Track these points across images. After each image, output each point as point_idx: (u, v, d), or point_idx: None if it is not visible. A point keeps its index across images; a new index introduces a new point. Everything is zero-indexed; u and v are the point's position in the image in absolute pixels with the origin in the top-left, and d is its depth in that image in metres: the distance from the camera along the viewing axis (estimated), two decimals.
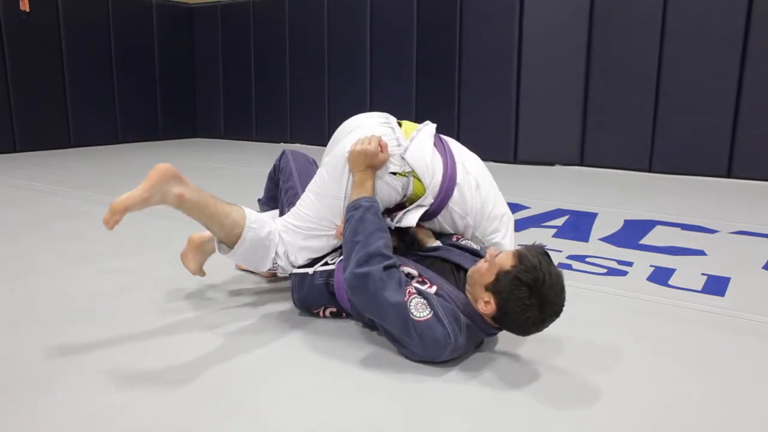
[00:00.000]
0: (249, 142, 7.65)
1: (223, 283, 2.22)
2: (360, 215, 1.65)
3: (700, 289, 2.18)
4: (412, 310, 1.48)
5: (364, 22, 6.53)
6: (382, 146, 1.75)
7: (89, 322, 1.83)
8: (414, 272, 1.64)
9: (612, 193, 4.18)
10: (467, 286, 1.59)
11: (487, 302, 1.49)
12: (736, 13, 4.65)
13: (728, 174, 4.83)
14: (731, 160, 4.82)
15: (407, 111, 6.24)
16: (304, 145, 7.24)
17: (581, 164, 5.43)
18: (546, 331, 1.75)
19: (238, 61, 7.65)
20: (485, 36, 5.67)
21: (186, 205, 1.81)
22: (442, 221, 1.89)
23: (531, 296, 1.42)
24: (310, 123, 7.17)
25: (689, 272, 2.37)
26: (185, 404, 1.35)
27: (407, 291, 1.52)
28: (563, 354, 1.63)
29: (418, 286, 1.57)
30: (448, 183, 1.81)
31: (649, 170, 5.14)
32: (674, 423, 1.30)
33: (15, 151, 6.17)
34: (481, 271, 1.52)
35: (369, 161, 1.72)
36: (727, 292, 2.14)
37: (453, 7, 5.85)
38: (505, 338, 1.72)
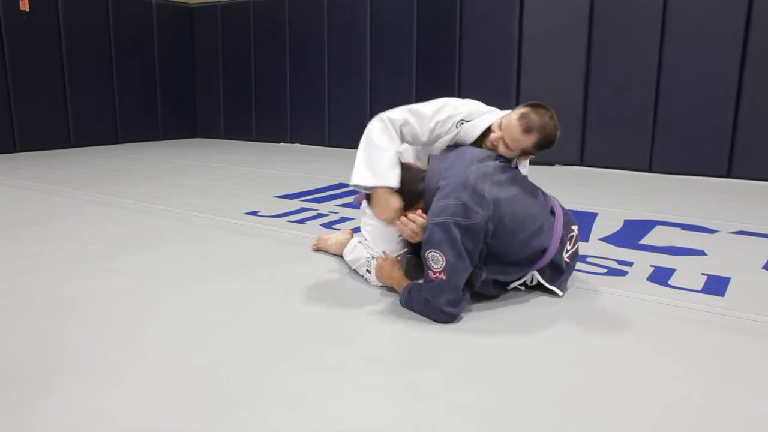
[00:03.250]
0: (249, 142, 7.65)
1: (223, 282, 2.22)
2: (413, 301, 1.93)
3: (700, 289, 2.18)
4: (434, 265, 1.81)
5: (364, 22, 6.53)
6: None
7: (89, 322, 1.83)
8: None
9: (612, 193, 4.18)
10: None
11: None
12: (736, 13, 4.65)
13: (728, 174, 4.83)
14: (731, 160, 4.82)
15: None
16: (304, 145, 7.25)
17: (581, 164, 5.44)
18: (546, 331, 1.75)
19: (238, 61, 7.65)
20: (485, 36, 5.67)
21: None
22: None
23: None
24: (310, 123, 7.17)
25: (689, 272, 2.36)
26: (185, 404, 1.35)
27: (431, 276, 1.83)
28: (563, 354, 1.63)
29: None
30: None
31: (649, 170, 5.14)
32: (674, 423, 1.30)
33: (15, 151, 6.17)
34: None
35: (390, 273, 2.09)
36: (727, 292, 2.14)
37: (453, 7, 5.85)
38: (505, 339, 1.72)
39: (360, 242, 2.33)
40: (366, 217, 2.28)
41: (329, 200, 3.85)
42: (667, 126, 5.01)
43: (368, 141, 2.03)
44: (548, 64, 5.45)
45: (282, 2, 7.12)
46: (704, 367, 1.56)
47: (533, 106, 1.99)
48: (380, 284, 2.15)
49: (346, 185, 4.33)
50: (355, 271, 2.31)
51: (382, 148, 1.99)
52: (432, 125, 2.08)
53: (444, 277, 1.79)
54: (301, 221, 3.24)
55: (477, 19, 5.73)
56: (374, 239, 2.25)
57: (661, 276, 2.32)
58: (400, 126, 2.05)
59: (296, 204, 3.72)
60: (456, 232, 1.76)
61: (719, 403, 1.38)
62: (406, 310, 1.94)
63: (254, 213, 3.42)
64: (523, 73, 5.51)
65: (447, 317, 1.81)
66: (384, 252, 2.17)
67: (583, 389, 1.44)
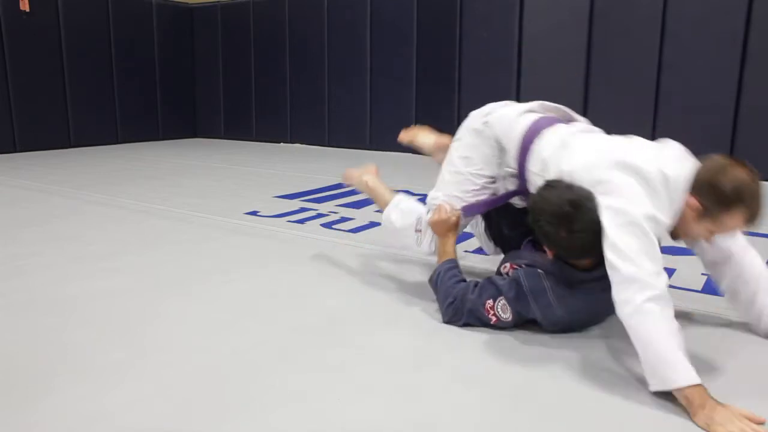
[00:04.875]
0: (249, 142, 7.65)
1: (223, 282, 2.22)
2: (439, 278, 1.87)
3: (700, 289, 2.18)
4: (500, 313, 1.73)
5: (364, 22, 6.53)
6: (449, 209, 1.94)
7: (89, 322, 1.83)
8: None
9: None
10: None
11: (547, 249, 1.69)
12: (736, 13, 4.64)
13: None
14: None
15: (407, 111, 6.24)
16: (304, 145, 7.24)
17: None
18: (545, 332, 1.74)
19: (238, 61, 7.65)
20: (485, 36, 5.67)
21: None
22: None
23: (550, 224, 1.59)
24: (310, 123, 7.16)
25: (689, 272, 2.36)
26: (185, 404, 1.35)
27: (486, 309, 1.74)
28: (562, 355, 1.63)
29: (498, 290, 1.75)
30: (528, 138, 1.79)
31: None
32: (674, 423, 1.29)
33: (15, 151, 6.17)
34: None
35: (446, 227, 1.93)
36: None
37: (453, 7, 5.84)
38: (505, 339, 1.72)
39: (404, 200, 2.18)
40: (448, 161, 2.04)
41: (329, 200, 3.85)
42: (667, 126, 5.01)
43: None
44: (548, 64, 5.44)
45: (282, 2, 7.12)
46: (704, 368, 1.56)
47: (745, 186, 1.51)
48: (430, 250, 2.02)
49: (346, 185, 4.33)
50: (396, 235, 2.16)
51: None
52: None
53: (493, 321, 1.74)
54: (301, 221, 3.24)
55: (477, 19, 5.73)
56: (454, 182, 1.99)
57: None
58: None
59: (296, 204, 3.72)
60: (540, 301, 1.67)
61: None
62: (407, 311, 1.94)
63: (254, 213, 3.42)
64: (523, 73, 5.51)
65: (452, 322, 1.81)
66: (450, 204, 1.94)
67: (582, 390, 1.44)
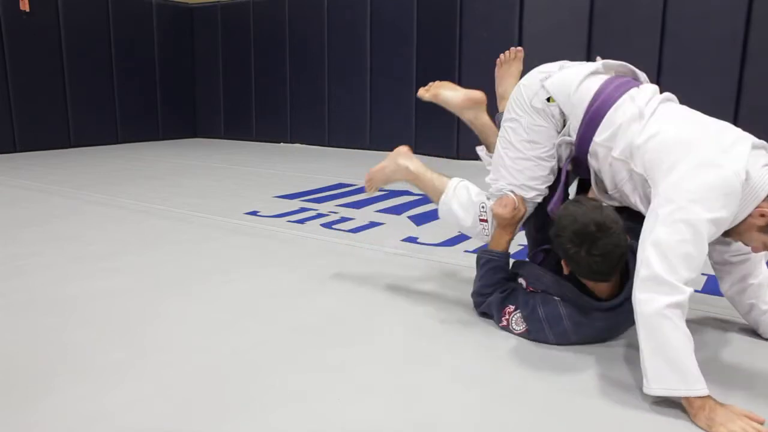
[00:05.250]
0: (249, 142, 7.65)
1: (223, 282, 2.22)
2: (488, 266, 1.85)
3: (700, 289, 2.18)
4: (513, 324, 1.73)
5: (364, 22, 6.53)
6: (518, 203, 1.78)
7: (89, 322, 1.83)
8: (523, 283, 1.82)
9: None
10: None
11: (564, 265, 1.62)
12: (736, 13, 4.64)
13: None
14: None
15: (407, 111, 6.24)
16: (304, 145, 7.25)
17: None
18: None
19: (238, 61, 7.65)
20: (485, 36, 5.67)
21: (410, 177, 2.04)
22: (607, 174, 1.64)
23: (573, 243, 1.52)
24: (310, 123, 7.16)
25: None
26: (185, 404, 1.35)
27: (504, 312, 1.76)
28: (561, 355, 1.63)
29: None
30: (599, 105, 1.61)
31: None
32: (673, 423, 1.29)
33: (15, 151, 6.17)
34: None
35: (507, 222, 1.81)
36: None
37: (453, 7, 5.84)
38: (505, 339, 1.72)
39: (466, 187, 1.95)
40: (503, 143, 1.83)
41: (329, 200, 3.85)
42: None
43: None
44: None
45: (282, 2, 7.12)
46: (704, 368, 1.56)
47: None
48: (486, 236, 1.89)
49: (346, 185, 4.34)
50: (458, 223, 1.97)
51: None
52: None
53: (502, 325, 1.76)
54: (301, 221, 3.24)
55: (477, 19, 5.73)
56: (519, 169, 1.79)
57: None
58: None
59: (296, 204, 3.72)
60: (556, 329, 1.67)
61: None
62: (407, 311, 1.94)
63: (254, 213, 3.42)
64: (523, 73, 5.50)
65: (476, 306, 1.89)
66: (516, 194, 1.79)
67: (582, 390, 1.44)
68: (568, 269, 1.63)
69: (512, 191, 1.79)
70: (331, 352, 1.63)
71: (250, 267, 2.41)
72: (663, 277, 1.33)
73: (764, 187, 1.36)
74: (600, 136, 1.61)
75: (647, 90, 1.67)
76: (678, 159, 1.42)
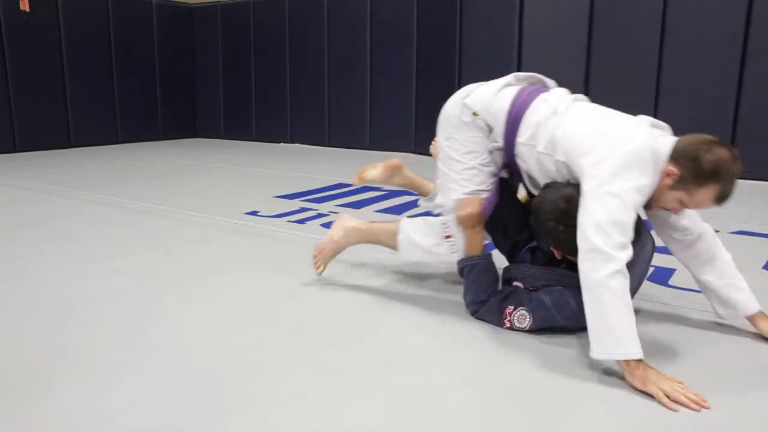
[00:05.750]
0: (249, 142, 7.65)
1: (223, 282, 2.22)
2: (474, 272, 1.88)
3: (700, 289, 2.17)
4: (515, 322, 1.75)
5: (364, 22, 6.53)
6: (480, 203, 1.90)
7: (89, 322, 1.83)
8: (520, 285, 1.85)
9: None
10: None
11: (555, 251, 1.71)
12: (736, 13, 4.64)
13: None
14: None
15: (407, 111, 6.24)
16: (304, 145, 7.25)
17: None
18: (546, 331, 1.75)
19: (238, 61, 7.65)
20: (485, 36, 5.67)
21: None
22: (535, 171, 1.80)
23: (556, 221, 1.64)
24: (310, 123, 7.16)
25: (689, 272, 2.36)
26: (185, 404, 1.35)
27: (505, 314, 1.77)
28: (561, 355, 1.63)
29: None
30: (516, 111, 1.80)
31: None
32: (674, 423, 1.29)
33: (15, 151, 6.18)
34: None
35: (476, 219, 1.89)
36: None
37: (453, 7, 5.85)
38: (505, 339, 1.72)
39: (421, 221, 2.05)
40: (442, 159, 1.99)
41: (329, 200, 3.85)
42: (668, 126, 5.01)
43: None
44: (548, 64, 5.42)
45: (282, 2, 7.12)
46: (704, 368, 1.56)
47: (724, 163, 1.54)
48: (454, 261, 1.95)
49: (346, 185, 4.34)
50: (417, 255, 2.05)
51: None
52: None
53: (506, 326, 1.77)
54: (301, 221, 3.24)
55: (477, 19, 5.73)
56: (467, 178, 1.92)
57: (661, 276, 2.32)
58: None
59: (296, 204, 3.72)
60: (564, 312, 1.71)
61: (719, 404, 1.38)
62: (407, 310, 1.94)
63: (254, 213, 3.42)
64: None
65: (473, 314, 1.88)
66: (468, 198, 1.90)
67: (581, 390, 1.44)
68: (560, 252, 1.71)
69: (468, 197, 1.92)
70: (331, 352, 1.63)
71: (250, 267, 2.41)
72: (600, 247, 1.48)
73: (665, 151, 1.58)
74: (522, 137, 1.79)
75: (558, 92, 1.87)
76: (594, 141, 1.62)
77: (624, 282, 1.47)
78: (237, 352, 1.62)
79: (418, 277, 2.30)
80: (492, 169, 1.93)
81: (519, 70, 5.51)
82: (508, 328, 1.77)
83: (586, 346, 1.67)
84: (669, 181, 1.57)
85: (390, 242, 2.09)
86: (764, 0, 4.56)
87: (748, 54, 4.65)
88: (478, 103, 1.89)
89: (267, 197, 3.92)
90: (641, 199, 1.55)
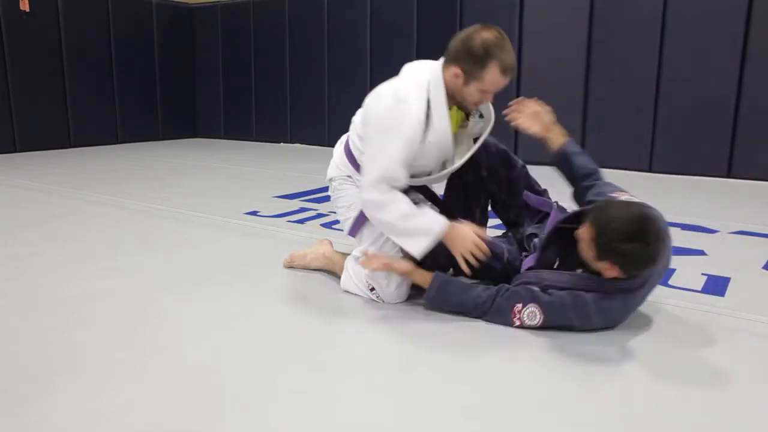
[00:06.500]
0: (249, 142, 7.65)
1: (223, 282, 2.22)
2: (449, 290, 1.87)
3: (700, 289, 2.18)
4: (525, 319, 1.75)
5: (364, 22, 6.53)
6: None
7: (89, 322, 1.83)
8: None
9: None
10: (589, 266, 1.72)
11: (607, 269, 1.64)
12: (736, 13, 4.64)
13: (728, 174, 4.83)
14: (731, 160, 4.81)
15: None
16: (304, 145, 7.25)
17: None
18: (546, 331, 1.75)
19: (238, 61, 7.65)
20: None
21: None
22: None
23: (630, 243, 1.56)
24: (310, 123, 7.16)
25: (689, 272, 2.36)
26: (185, 404, 1.35)
27: (513, 312, 1.76)
28: (562, 354, 1.63)
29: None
30: (346, 148, 2.27)
31: (649, 170, 5.14)
32: (673, 423, 1.30)
33: (15, 151, 6.17)
34: (583, 250, 1.68)
35: (404, 267, 1.92)
36: (727, 292, 2.14)
37: (453, 7, 5.85)
38: (505, 338, 1.72)
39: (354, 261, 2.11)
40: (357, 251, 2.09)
41: (329, 200, 3.84)
42: (667, 126, 5.01)
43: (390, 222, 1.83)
44: (548, 64, 5.44)
45: (282, 2, 7.12)
46: (704, 368, 1.56)
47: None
48: (395, 300, 1.99)
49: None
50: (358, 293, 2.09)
51: (408, 215, 1.81)
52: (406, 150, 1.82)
53: (516, 325, 1.76)
54: (301, 221, 3.24)
55: (477, 19, 5.71)
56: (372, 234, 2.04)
57: None
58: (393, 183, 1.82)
59: (296, 204, 3.72)
60: (581, 312, 1.71)
61: (719, 403, 1.38)
62: (406, 310, 1.94)
63: (254, 213, 3.42)
64: (523, 73, 5.51)
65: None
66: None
67: (582, 389, 1.44)
68: (613, 272, 1.64)
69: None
70: (331, 352, 1.63)
71: (249, 267, 2.41)
72: (377, 178, 1.81)
73: (437, 72, 1.86)
74: (354, 143, 2.18)
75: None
76: (381, 98, 1.95)
77: (400, 202, 1.79)
78: (237, 352, 1.62)
79: None
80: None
81: (519, 70, 5.51)
82: (518, 326, 1.76)
83: (586, 346, 1.68)
84: (460, 81, 1.81)
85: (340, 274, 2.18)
86: (764, 0, 4.56)
87: (748, 54, 4.65)
88: (342, 168, 2.24)
89: (267, 197, 3.92)
90: (421, 128, 1.80)
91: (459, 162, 1.93)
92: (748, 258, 2.58)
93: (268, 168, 5.37)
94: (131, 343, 1.68)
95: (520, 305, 1.75)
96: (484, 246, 1.79)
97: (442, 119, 1.84)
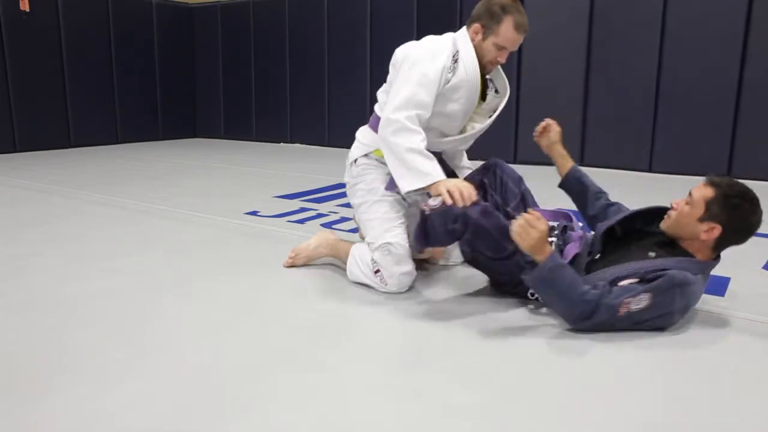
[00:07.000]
0: (249, 142, 7.65)
1: (223, 282, 2.22)
2: (560, 278, 1.72)
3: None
4: (632, 306, 1.70)
5: (364, 22, 6.53)
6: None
7: (89, 322, 1.83)
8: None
9: (612, 194, 4.16)
10: (669, 236, 1.87)
11: (708, 230, 1.75)
12: (736, 13, 4.64)
13: (728, 174, 4.83)
14: (731, 160, 4.81)
15: None
16: (304, 145, 7.25)
17: (582, 164, 5.42)
18: (546, 331, 1.75)
19: (238, 61, 7.65)
20: None
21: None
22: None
23: (744, 203, 1.73)
24: (310, 123, 7.16)
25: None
26: (185, 404, 1.35)
27: (623, 304, 1.71)
28: (562, 353, 1.63)
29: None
30: (372, 121, 2.29)
31: (649, 170, 5.14)
32: (673, 423, 1.30)
33: (15, 151, 6.17)
34: (684, 214, 1.82)
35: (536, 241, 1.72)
36: (727, 292, 2.14)
37: (453, 7, 5.85)
38: (505, 338, 1.72)
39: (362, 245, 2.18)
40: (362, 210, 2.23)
41: (329, 200, 3.85)
42: (667, 126, 5.01)
43: (395, 150, 1.96)
44: (548, 64, 5.44)
45: (282, 2, 7.12)
46: (704, 368, 1.56)
47: None
48: (400, 289, 2.05)
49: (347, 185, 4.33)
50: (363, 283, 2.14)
51: (414, 150, 1.94)
52: (439, 79, 2.00)
53: (622, 313, 1.69)
54: (301, 221, 3.24)
55: None
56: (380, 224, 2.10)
57: None
58: (417, 116, 1.97)
59: (296, 204, 3.72)
60: (685, 292, 1.72)
61: (719, 403, 1.38)
62: (406, 310, 1.94)
63: (254, 213, 3.42)
64: (523, 73, 5.51)
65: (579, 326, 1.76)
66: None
67: (583, 389, 1.44)
68: (713, 234, 1.75)
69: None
70: (330, 352, 1.63)
71: (249, 267, 2.41)
72: (398, 118, 1.95)
73: (462, 32, 2.09)
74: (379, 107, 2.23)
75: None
76: (409, 51, 2.10)
77: (417, 135, 1.94)
78: (237, 352, 1.62)
79: (418, 278, 2.29)
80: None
81: (519, 70, 5.52)
82: (625, 312, 1.70)
83: (586, 346, 1.68)
84: (479, 37, 2.04)
85: (346, 261, 2.21)
86: (764, 0, 4.56)
87: (748, 54, 4.65)
88: (369, 140, 2.26)
89: (267, 197, 3.92)
90: (444, 74, 1.99)
91: (480, 126, 2.16)
92: (748, 258, 2.58)
93: (268, 168, 5.38)
94: (131, 343, 1.68)
95: (630, 298, 1.69)
96: (473, 192, 1.84)
97: (470, 59, 2.03)
